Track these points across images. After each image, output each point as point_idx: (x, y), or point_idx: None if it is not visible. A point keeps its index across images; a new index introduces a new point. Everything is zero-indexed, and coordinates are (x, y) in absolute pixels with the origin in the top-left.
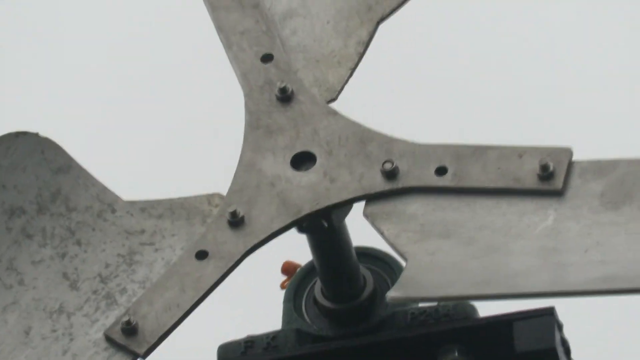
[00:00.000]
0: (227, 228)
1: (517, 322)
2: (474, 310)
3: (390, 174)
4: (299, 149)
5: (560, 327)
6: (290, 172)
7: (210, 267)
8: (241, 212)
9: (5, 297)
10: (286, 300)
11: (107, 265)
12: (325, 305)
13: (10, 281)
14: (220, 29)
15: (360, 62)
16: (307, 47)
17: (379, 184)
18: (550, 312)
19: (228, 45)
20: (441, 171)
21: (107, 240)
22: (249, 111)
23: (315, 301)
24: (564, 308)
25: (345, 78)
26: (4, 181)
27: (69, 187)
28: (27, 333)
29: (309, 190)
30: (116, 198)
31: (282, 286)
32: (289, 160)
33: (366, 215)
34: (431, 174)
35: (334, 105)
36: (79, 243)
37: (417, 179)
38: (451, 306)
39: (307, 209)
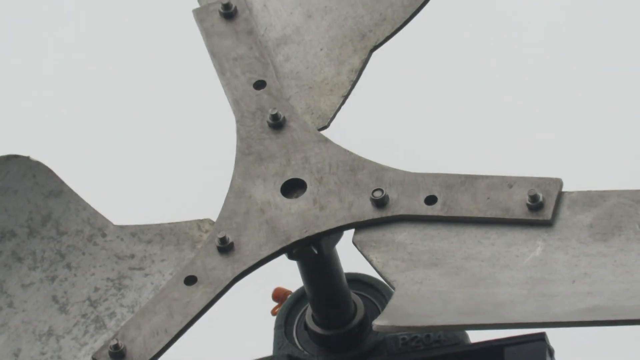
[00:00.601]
0: (216, 254)
1: (509, 348)
2: (465, 336)
3: (380, 203)
4: (289, 176)
5: (551, 352)
6: (280, 198)
7: (199, 293)
8: (230, 238)
9: None
10: (277, 326)
11: (96, 289)
12: (316, 331)
13: (22, 272)
14: (213, 54)
15: (353, 89)
16: (300, 74)
17: (369, 212)
18: (541, 337)
19: (221, 71)
20: (431, 200)
21: (96, 265)
22: (240, 137)
23: (306, 327)
24: (554, 333)
25: (338, 106)
26: None
27: (60, 211)
28: (16, 355)
29: (299, 217)
30: (107, 222)
31: (273, 312)
32: (279, 187)
33: (355, 243)
34: (421, 203)
35: (325, 132)
36: (69, 267)
37: (406, 208)
38: (442, 332)
39: (296, 236)
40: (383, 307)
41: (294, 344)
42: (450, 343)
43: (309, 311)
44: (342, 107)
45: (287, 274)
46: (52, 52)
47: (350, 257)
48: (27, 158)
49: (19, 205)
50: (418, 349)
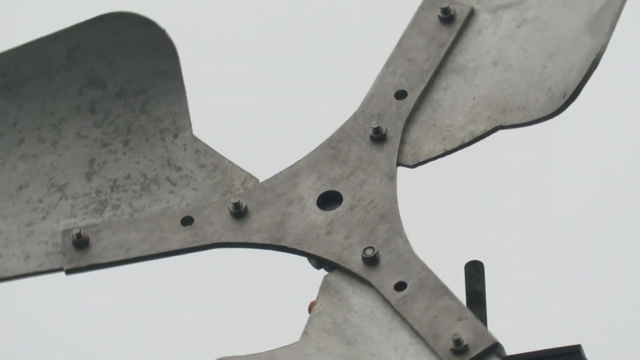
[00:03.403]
0: (226, 213)
1: None
2: (501, 348)
3: (367, 260)
4: (337, 188)
5: None
6: (311, 202)
7: (182, 236)
8: (247, 207)
9: (32, 147)
10: None
11: (127, 177)
12: None
13: (46, 137)
14: (400, 43)
15: (456, 151)
16: (440, 107)
17: (354, 264)
18: (577, 350)
19: (389, 63)
20: (400, 287)
21: (147, 157)
22: (342, 129)
23: None
24: (591, 345)
25: (435, 155)
26: (106, 51)
27: (158, 92)
28: (20, 188)
29: (306, 229)
30: (187, 127)
31: None
32: (320, 192)
33: (326, 279)
34: (391, 283)
35: (404, 171)
36: (125, 143)
37: (377, 280)
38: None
39: (286, 243)
40: None
41: None
42: None
43: None
44: (437, 159)
45: None
46: None
47: None
48: (163, 31)
49: (126, 64)
50: None
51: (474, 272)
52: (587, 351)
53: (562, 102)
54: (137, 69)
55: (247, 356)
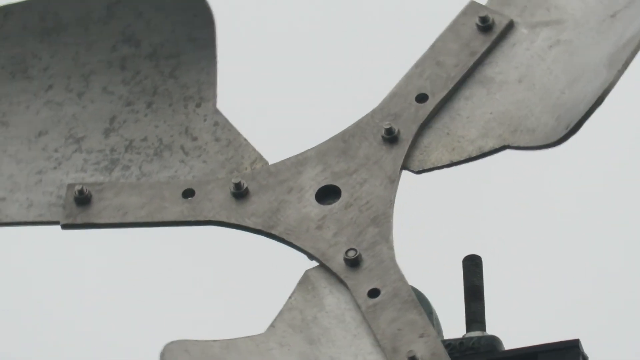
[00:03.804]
0: (227, 192)
1: (542, 354)
2: (499, 342)
3: (348, 262)
4: (338, 184)
5: (585, 359)
6: (310, 194)
7: (179, 208)
8: (250, 189)
9: (59, 94)
10: None
11: (143, 139)
12: None
13: (74, 87)
14: (433, 46)
15: (462, 164)
16: (457, 117)
17: (335, 263)
18: (575, 344)
19: (418, 64)
20: (373, 293)
21: (167, 122)
22: (357, 123)
23: None
24: (589, 340)
25: (441, 165)
26: (144, 10)
27: (189, 59)
28: (39, 134)
29: (298, 220)
30: (211, 99)
31: None
32: (321, 185)
33: (306, 273)
34: (366, 290)
35: (406, 175)
36: (149, 105)
37: (354, 286)
38: (476, 339)
39: (277, 231)
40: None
41: None
42: (484, 350)
43: None
44: (440, 170)
45: None
46: None
47: None
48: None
49: (162, 27)
50: (452, 356)
51: (472, 266)
52: (585, 346)
53: (563, 133)
54: (173, 33)
55: (206, 341)
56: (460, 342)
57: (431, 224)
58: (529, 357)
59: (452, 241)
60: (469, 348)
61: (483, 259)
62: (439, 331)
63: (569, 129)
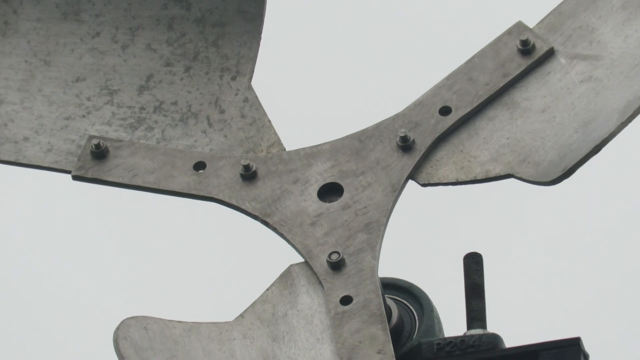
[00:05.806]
0: (236, 173)
1: (544, 352)
2: (500, 340)
3: (330, 264)
4: (344, 183)
5: (586, 357)
6: (313, 189)
7: (188, 179)
8: (259, 173)
9: (104, 43)
10: None
11: (173, 103)
12: None
13: (120, 38)
14: (470, 60)
15: (466, 184)
16: (476, 136)
17: (318, 263)
18: (576, 342)
19: (449, 75)
20: (345, 300)
21: (200, 90)
22: (376, 125)
23: None
24: (590, 338)
25: (446, 182)
26: None
27: (234, 30)
28: (76, 80)
29: (295, 212)
30: (247, 73)
31: None
32: (327, 181)
33: (290, 268)
34: (339, 296)
35: (413, 186)
36: (187, 70)
37: (329, 290)
38: (477, 337)
39: (271, 220)
40: (418, 312)
41: None
42: (486, 348)
43: None
44: (446, 187)
45: None
46: None
47: (384, 262)
48: None
49: None
50: (453, 354)
51: (473, 263)
52: (586, 344)
53: (558, 174)
54: (223, 2)
55: (170, 321)
56: (462, 339)
57: (433, 221)
58: (530, 355)
59: (453, 238)
60: (470, 346)
61: (484, 257)
62: (440, 329)
63: (564, 171)
